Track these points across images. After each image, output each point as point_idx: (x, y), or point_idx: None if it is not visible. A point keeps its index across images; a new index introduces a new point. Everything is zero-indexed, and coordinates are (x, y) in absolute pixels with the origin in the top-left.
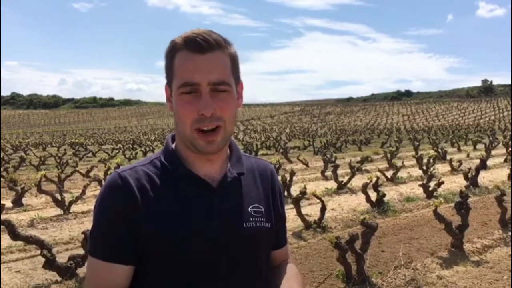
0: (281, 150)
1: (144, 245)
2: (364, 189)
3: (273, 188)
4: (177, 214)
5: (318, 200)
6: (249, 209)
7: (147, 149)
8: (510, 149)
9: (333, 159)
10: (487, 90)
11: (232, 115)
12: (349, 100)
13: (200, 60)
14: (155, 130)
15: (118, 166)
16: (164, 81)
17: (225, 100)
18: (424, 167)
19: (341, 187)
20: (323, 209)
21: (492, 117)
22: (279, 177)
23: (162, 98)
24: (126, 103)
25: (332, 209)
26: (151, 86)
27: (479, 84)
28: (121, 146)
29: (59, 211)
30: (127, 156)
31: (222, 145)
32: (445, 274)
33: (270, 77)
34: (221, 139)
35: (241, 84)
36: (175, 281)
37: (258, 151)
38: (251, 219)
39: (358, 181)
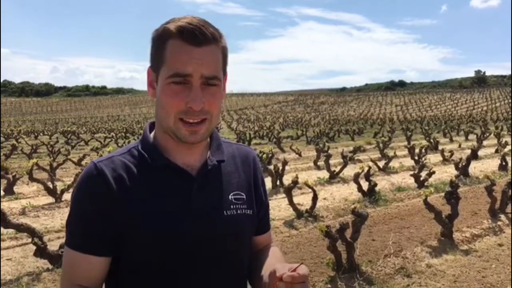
0: (274, 140)
1: (122, 236)
2: (356, 178)
3: (256, 175)
4: (155, 205)
5: (310, 190)
6: (230, 197)
7: (140, 137)
8: (501, 139)
9: (325, 148)
10: (480, 80)
11: (219, 109)
12: (342, 90)
13: (195, 52)
14: (148, 119)
15: None
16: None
17: (214, 95)
18: (416, 157)
19: (333, 177)
20: (314, 199)
21: (485, 108)
22: (272, 167)
23: None
24: (119, 91)
25: (324, 199)
26: (144, 75)
27: (472, 75)
28: (114, 134)
29: (50, 199)
30: (119, 144)
31: (205, 136)
32: (434, 262)
33: (264, 67)
34: (205, 131)
35: (226, 76)
36: (155, 272)
37: (251, 141)
38: (231, 206)
39: (350, 171)
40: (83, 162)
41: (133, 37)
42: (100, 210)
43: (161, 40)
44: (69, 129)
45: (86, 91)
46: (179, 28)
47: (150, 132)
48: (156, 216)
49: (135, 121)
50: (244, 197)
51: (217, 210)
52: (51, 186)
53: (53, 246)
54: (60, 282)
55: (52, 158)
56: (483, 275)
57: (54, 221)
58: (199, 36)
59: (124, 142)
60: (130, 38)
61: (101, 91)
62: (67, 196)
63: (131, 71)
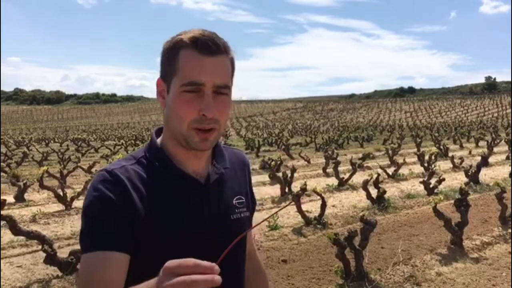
0: (283, 147)
1: (139, 241)
2: (364, 185)
3: (249, 178)
4: (172, 214)
5: (319, 197)
6: (234, 201)
7: (146, 145)
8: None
9: (334, 155)
10: (490, 87)
11: (227, 118)
12: (351, 96)
13: (208, 61)
14: (157, 126)
15: None
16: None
17: (224, 103)
18: (426, 164)
19: (342, 184)
20: (323, 206)
21: (495, 114)
22: (280, 174)
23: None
24: (129, 99)
25: (333, 206)
26: (154, 82)
27: (482, 81)
28: (124, 142)
29: (61, 206)
30: (129, 152)
31: (213, 144)
32: (444, 270)
33: (273, 74)
34: (213, 139)
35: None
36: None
37: (260, 147)
38: (236, 210)
39: (359, 178)
40: (93, 170)
41: (143, 45)
42: (119, 213)
43: (174, 51)
44: (79, 136)
45: (97, 98)
46: (193, 39)
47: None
48: (170, 223)
49: (145, 128)
50: (244, 200)
51: (225, 215)
52: (61, 193)
53: (63, 253)
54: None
55: (62, 166)
56: (494, 283)
57: (64, 228)
58: (212, 46)
59: (134, 149)
60: (140, 46)
61: (111, 98)
62: (77, 203)
63: (140, 78)
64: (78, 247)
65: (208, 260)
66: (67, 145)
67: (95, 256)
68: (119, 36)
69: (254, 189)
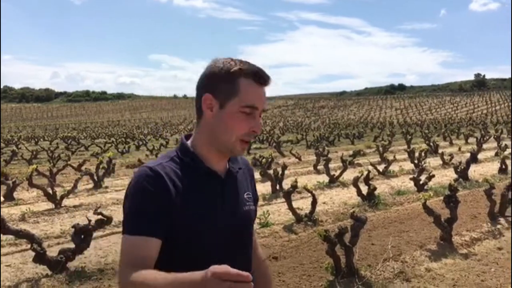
0: (274, 144)
1: (174, 227)
2: (355, 182)
3: (253, 178)
4: (201, 205)
5: (309, 194)
6: (244, 196)
7: (140, 143)
8: (501, 142)
9: (325, 153)
10: (480, 84)
11: None
12: (342, 94)
13: (261, 91)
14: (148, 124)
15: (110, 159)
16: (159, 74)
17: (261, 122)
18: (416, 161)
19: (333, 181)
20: (314, 203)
21: (485, 111)
22: (271, 171)
23: (156, 92)
24: (119, 96)
25: (324, 203)
26: (145, 80)
27: (472, 78)
28: (114, 140)
29: (50, 205)
30: (119, 150)
31: None
32: (434, 266)
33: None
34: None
35: None
36: (199, 257)
37: (251, 145)
38: (246, 203)
39: (350, 174)
40: (83, 168)
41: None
42: (160, 204)
43: (234, 77)
44: (69, 134)
45: (87, 96)
46: (255, 72)
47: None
48: (199, 206)
49: (135, 126)
50: (251, 195)
51: (239, 207)
52: (50, 192)
53: (52, 252)
54: (121, 271)
55: (52, 164)
56: (482, 278)
57: (53, 227)
58: (266, 79)
59: (124, 147)
60: (130, 43)
61: (102, 96)
62: (67, 202)
63: (131, 76)
64: (68, 245)
65: (225, 245)
66: (57, 143)
67: (138, 240)
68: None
69: None
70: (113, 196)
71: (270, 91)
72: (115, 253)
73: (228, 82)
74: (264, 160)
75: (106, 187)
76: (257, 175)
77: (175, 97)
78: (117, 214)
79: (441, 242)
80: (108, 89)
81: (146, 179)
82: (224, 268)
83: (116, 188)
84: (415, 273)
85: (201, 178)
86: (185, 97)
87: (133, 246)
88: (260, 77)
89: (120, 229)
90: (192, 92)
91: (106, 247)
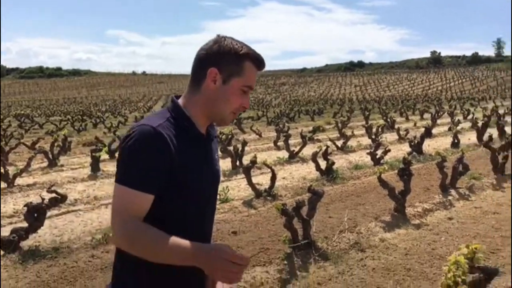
0: (235, 121)
1: (169, 180)
2: (314, 157)
3: (217, 144)
4: (191, 157)
5: (269, 170)
6: (216, 156)
7: (98, 120)
8: (454, 118)
9: (285, 129)
10: (435, 61)
11: None
12: (303, 70)
13: (256, 74)
14: (106, 101)
15: (65, 137)
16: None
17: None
18: (373, 136)
19: (293, 157)
20: (273, 178)
21: (440, 88)
22: (231, 147)
23: (113, 68)
24: (75, 73)
25: (283, 178)
26: (102, 56)
27: (428, 55)
28: (70, 117)
29: (3, 184)
30: (76, 127)
31: None
32: (387, 237)
33: None
34: None
35: None
36: (189, 207)
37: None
38: (218, 163)
39: (309, 150)
40: (37, 146)
41: (90, 16)
42: (160, 158)
43: (241, 58)
44: (22, 112)
45: (40, 72)
46: (257, 58)
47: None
48: (192, 165)
49: (93, 103)
50: (218, 158)
51: (215, 164)
52: (3, 170)
53: (4, 232)
54: (116, 218)
55: (4, 142)
56: (433, 247)
57: (6, 207)
58: (264, 66)
59: (81, 125)
60: (86, 18)
61: (56, 72)
62: (20, 181)
63: (88, 52)
64: (20, 225)
65: (204, 205)
66: (9, 121)
67: (134, 194)
68: (64, 8)
69: None
70: (69, 175)
71: None
72: (70, 232)
73: (235, 63)
74: (224, 136)
75: (62, 166)
76: None
77: (134, 73)
78: (73, 193)
79: (395, 214)
80: (63, 65)
81: (151, 138)
82: (229, 249)
83: (72, 167)
84: (370, 244)
85: (193, 139)
86: (144, 73)
87: (134, 200)
88: (260, 64)
89: (76, 207)
90: (151, 69)
91: (62, 226)
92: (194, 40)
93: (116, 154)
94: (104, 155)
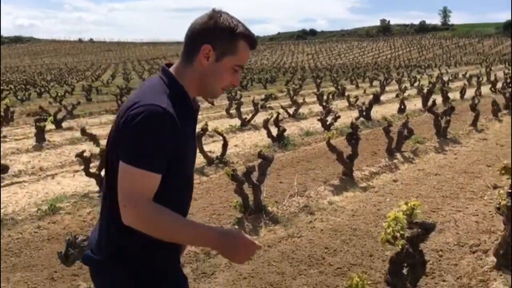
0: None
1: (173, 157)
2: (265, 125)
3: None
4: (190, 138)
5: (221, 137)
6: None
7: (42, 89)
8: (401, 85)
9: (238, 97)
10: (385, 29)
11: None
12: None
13: (249, 54)
14: (51, 70)
15: (8, 107)
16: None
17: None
18: (324, 103)
19: (245, 124)
20: (225, 145)
21: (389, 56)
22: None
23: (58, 35)
24: (17, 40)
25: (235, 145)
26: (45, 22)
27: (378, 24)
28: (13, 86)
29: None
30: (19, 97)
31: None
32: (335, 199)
33: (177, 14)
34: None
35: None
36: (183, 183)
37: None
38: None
39: (261, 118)
40: None
41: None
42: (170, 139)
43: (236, 37)
44: None
45: None
46: (251, 38)
47: None
48: (188, 141)
49: (37, 72)
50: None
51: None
52: None
53: None
54: (131, 200)
55: None
56: (378, 208)
57: None
58: (256, 46)
59: (24, 94)
60: None
61: None
62: None
63: (30, 18)
64: None
65: (192, 166)
66: None
67: (148, 176)
68: None
69: None
70: (12, 146)
71: (182, 35)
72: (15, 204)
73: (229, 42)
74: None
75: (5, 136)
76: None
77: (80, 41)
78: (17, 164)
79: (343, 177)
80: (4, 32)
81: (162, 119)
82: (245, 235)
83: (16, 137)
84: (319, 207)
85: (189, 115)
86: (91, 41)
87: (147, 181)
88: (254, 43)
89: (21, 179)
90: (99, 36)
91: (6, 198)
92: (142, 6)
93: (63, 124)
94: (49, 125)
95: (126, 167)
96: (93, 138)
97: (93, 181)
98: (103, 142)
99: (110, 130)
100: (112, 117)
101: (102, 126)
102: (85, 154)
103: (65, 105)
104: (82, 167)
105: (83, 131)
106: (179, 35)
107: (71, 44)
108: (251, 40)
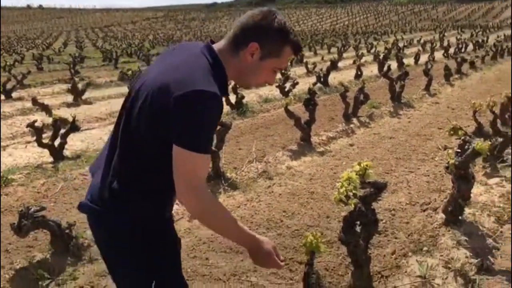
0: (143, 58)
1: None
2: None
3: None
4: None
5: None
6: None
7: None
8: (358, 51)
9: None
10: None
11: None
12: (213, 5)
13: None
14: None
15: None
16: None
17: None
18: (283, 70)
19: None
20: None
21: (346, 23)
22: None
23: (4, 2)
24: None
25: None
26: None
27: None
28: None
29: None
30: None
31: None
32: (294, 164)
33: None
34: None
35: None
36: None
37: (119, 59)
38: None
39: None
40: None
41: None
42: (217, 124)
43: (285, 41)
44: None
45: None
46: (298, 45)
47: None
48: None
49: None
50: None
51: None
52: None
53: None
54: (193, 185)
55: None
56: (335, 171)
57: None
58: (299, 53)
59: None
60: None
61: None
62: None
63: None
64: None
65: None
66: None
67: (207, 159)
68: None
69: (114, 101)
70: None
71: (138, 2)
72: None
73: (277, 45)
74: (131, 73)
75: None
76: (125, 89)
77: (29, 7)
78: None
79: (301, 143)
80: None
81: (217, 106)
82: (274, 245)
83: None
84: (277, 172)
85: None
86: (41, 7)
87: (205, 164)
88: (299, 51)
89: None
90: (48, 2)
91: None
92: None
93: (13, 94)
94: None
95: (183, 152)
96: (45, 108)
97: (46, 151)
98: (56, 112)
99: (134, 94)
100: (65, 86)
101: (54, 96)
102: (36, 124)
103: (15, 74)
104: (34, 138)
105: (34, 101)
106: (133, 2)
107: (19, 10)
108: (297, 48)
